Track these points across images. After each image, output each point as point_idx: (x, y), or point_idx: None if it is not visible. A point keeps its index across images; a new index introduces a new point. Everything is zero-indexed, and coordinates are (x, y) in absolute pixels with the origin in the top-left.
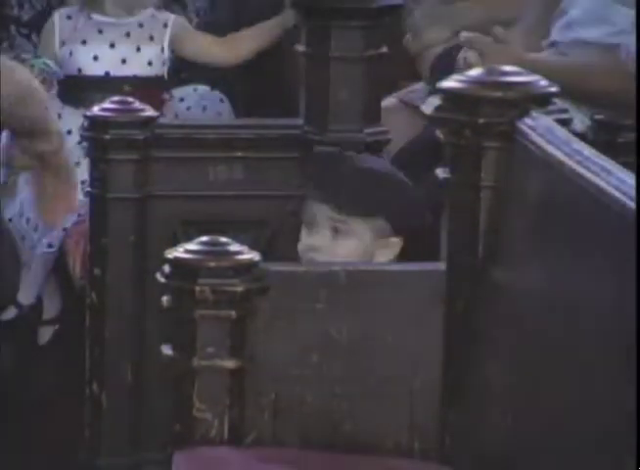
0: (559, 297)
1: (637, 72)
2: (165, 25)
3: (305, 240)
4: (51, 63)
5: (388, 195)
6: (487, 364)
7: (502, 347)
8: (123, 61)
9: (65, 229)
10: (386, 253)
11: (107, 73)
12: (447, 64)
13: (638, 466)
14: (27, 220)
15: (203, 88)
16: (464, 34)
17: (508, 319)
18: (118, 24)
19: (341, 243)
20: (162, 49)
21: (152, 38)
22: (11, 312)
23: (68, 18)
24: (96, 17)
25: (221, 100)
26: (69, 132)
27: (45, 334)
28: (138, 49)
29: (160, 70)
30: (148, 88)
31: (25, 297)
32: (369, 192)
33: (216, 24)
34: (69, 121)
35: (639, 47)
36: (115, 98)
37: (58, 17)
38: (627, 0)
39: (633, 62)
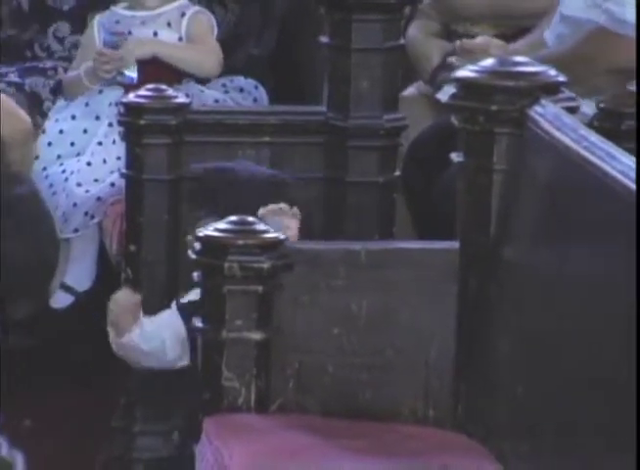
0: (565, 274)
1: (637, 64)
2: (183, 15)
3: None
4: (127, 71)
5: None
6: (498, 338)
7: (512, 322)
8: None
9: (99, 198)
10: None
11: None
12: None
13: (638, 440)
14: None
15: (238, 78)
16: (458, 43)
17: (517, 296)
18: (134, 16)
19: None
20: (180, 38)
21: (169, 24)
22: (64, 299)
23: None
24: (115, 9)
25: (256, 86)
26: (110, 104)
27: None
28: (155, 34)
29: None
30: (164, 70)
31: (79, 282)
32: None
33: (246, 25)
34: (109, 96)
35: (639, 42)
36: (150, 86)
37: (96, 22)
38: None
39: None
